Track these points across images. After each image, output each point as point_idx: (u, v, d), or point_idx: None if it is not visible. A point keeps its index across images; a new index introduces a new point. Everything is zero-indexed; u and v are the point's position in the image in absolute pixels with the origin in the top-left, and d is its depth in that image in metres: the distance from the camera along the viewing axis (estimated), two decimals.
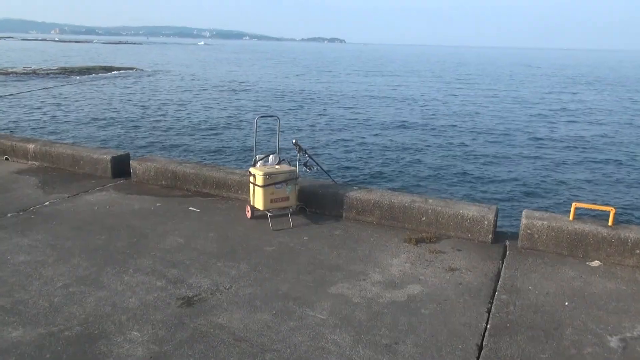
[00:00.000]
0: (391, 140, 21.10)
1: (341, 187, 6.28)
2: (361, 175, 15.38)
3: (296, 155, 6.20)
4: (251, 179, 5.76)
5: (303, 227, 5.75)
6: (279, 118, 6.51)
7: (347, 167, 16.28)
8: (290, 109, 29.93)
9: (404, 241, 5.37)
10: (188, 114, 27.11)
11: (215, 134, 21.47)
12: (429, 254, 5.08)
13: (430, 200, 5.81)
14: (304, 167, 6.19)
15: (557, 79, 67.18)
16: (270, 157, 5.93)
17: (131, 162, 7.39)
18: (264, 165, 5.85)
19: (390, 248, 5.24)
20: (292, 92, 39.86)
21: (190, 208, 6.27)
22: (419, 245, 5.29)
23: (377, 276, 4.61)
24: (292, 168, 5.88)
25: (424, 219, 5.63)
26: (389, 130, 23.59)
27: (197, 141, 20.04)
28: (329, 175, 7.10)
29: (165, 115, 26.22)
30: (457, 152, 19.10)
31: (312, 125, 24.30)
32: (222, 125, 23.85)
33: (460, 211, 5.50)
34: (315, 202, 6.19)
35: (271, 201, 5.67)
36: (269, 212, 5.70)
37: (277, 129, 6.31)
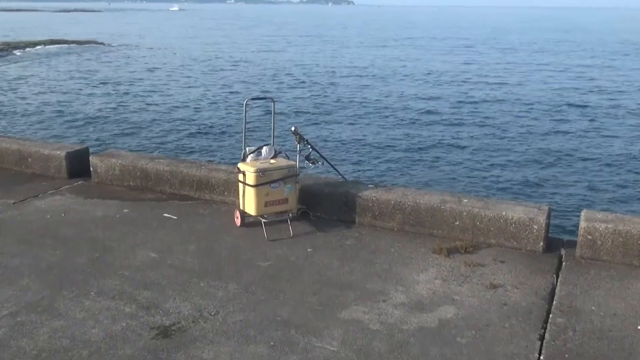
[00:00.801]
0: (413, 126, 21.10)
1: (353, 185, 6.32)
2: (377, 170, 15.40)
3: (296, 147, 6.25)
4: (240, 177, 5.78)
5: (306, 236, 5.80)
6: (274, 100, 6.44)
7: (359, 161, 16.31)
8: (287, 89, 30.02)
9: (432, 252, 5.40)
10: (161, 97, 27.25)
11: (196, 122, 21.57)
12: (464, 268, 5.11)
13: (465, 200, 5.81)
14: (306, 162, 6.24)
15: (616, 44, 66.87)
16: (264, 150, 5.96)
17: (91, 158, 7.45)
18: (255, 159, 5.88)
19: (415, 261, 5.27)
20: (289, 67, 39.92)
21: (165, 215, 6.32)
22: (451, 256, 5.32)
23: (400, 296, 4.63)
24: (292, 162, 5.92)
25: (457, 223, 5.66)
26: (410, 114, 23.59)
27: (173, 131, 20.14)
28: (337, 170, 7.02)
29: (132, 100, 26.37)
30: (497, 139, 19.05)
31: (315, 109, 24.34)
32: (203, 111, 23.95)
33: (503, 213, 5.50)
34: (320, 204, 6.24)
35: (266, 204, 5.69)
36: (263, 218, 5.73)
37: (272, 113, 6.30)
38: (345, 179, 6.82)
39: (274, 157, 5.95)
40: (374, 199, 6.03)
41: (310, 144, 6.37)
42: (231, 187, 6.56)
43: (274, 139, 6.29)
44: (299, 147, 6.23)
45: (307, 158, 6.29)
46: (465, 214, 5.64)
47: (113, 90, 29.13)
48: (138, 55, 48.24)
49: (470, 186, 14.04)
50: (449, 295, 4.64)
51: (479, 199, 5.94)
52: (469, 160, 16.39)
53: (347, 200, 6.12)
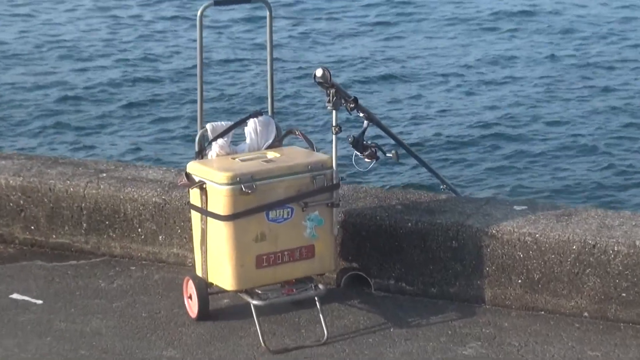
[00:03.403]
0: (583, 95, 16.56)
1: (476, 208, 4.21)
2: (521, 180, 11.00)
3: (330, 119, 3.92)
4: (194, 196, 3.80)
5: (362, 337, 3.93)
6: (269, 3, 4.11)
7: (476, 157, 12.08)
8: None
9: None
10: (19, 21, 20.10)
11: (90, 72, 12.89)
12: None
13: None
14: (356, 154, 3.95)
15: None
16: (251, 127, 3.91)
17: None
18: (231, 152, 3.91)
19: None
20: None
21: (15, 296, 4.46)
22: None
23: None
24: (320, 157, 3.84)
25: None
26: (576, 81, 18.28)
27: (39, 94, 13.02)
28: (434, 172, 5.01)
29: None
30: None
31: (371, 31, 18.92)
32: (106, 46, 14.81)
33: None
34: (395, 257, 4.22)
35: (259, 262, 3.71)
36: (253, 297, 3.81)
37: (267, 35, 4.11)
38: (455, 192, 4.82)
39: (273, 146, 3.92)
40: (529, 240, 3.88)
41: (364, 111, 3.99)
42: (174, 222, 4.59)
43: (273, 99, 4.15)
44: (335, 116, 3.80)
45: (357, 144, 3.84)
46: None
47: None
48: None
49: None
50: None
51: None
52: None
53: (460, 245, 4.03)
